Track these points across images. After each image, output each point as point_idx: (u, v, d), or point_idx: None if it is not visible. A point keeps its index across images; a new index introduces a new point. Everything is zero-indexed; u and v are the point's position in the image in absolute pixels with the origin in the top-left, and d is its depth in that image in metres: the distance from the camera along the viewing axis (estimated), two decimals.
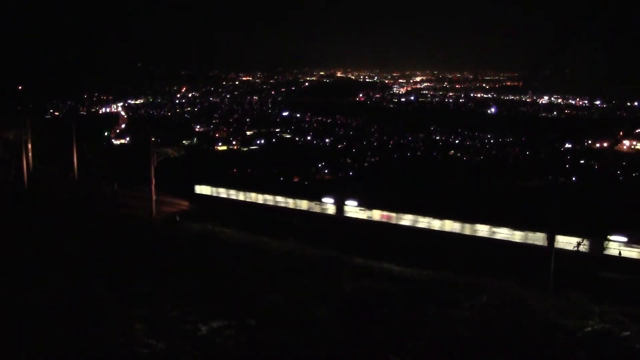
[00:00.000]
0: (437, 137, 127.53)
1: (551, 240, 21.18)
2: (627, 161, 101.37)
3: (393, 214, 33.84)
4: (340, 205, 36.34)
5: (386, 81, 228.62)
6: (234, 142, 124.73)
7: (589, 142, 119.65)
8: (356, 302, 9.18)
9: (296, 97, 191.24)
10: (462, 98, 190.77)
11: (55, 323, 6.52)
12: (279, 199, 40.33)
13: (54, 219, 16.93)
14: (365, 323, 8.18)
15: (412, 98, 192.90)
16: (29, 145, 38.06)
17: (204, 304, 8.51)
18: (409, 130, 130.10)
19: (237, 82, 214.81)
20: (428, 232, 32.07)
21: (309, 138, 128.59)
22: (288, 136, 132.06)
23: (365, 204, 35.43)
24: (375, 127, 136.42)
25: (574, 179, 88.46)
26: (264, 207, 39.74)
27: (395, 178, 78.78)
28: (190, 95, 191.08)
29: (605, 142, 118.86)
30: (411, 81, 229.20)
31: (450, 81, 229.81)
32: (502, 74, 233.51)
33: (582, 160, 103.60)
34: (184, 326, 7.61)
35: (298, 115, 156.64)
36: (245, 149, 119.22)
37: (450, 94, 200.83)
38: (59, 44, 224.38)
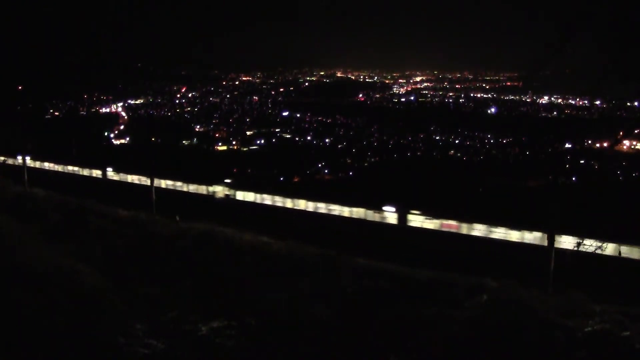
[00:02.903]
0: (437, 137, 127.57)
1: (551, 239, 21.16)
2: (627, 161, 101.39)
3: (464, 224, 32.34)
4: (403, 215, 34.75)
5: (386, 81, 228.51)
6: (234, 142, 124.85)
7: (589, 142, 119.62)
8: (356, 302, 9.18)
9: (296, 97, 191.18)
10: (462, 98, 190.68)
11: (53, 322, 6.51)
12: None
13: None
14: (365, 323, 8.19)
15: (412, 98, 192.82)
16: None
17: (205, 304, 8.51)
18: (409, 130, 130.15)
19: (237, 82, 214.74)
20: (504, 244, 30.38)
21: (309, 138, 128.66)
22: (288, 136, 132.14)
23: (430, 212, 33.96)
24: (375, 127, 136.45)
25: (574, 179, 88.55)
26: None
27: (395, 178, 78.80)
28: (190, 95, 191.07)
29: (605, 142, 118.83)
30: (411, 81, 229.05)
31: (450, 81, 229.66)
32: (502, 74, 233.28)
33: (582, 160, 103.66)
34: (184, 326, 7.61)
35: (298, 115, 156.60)
36: (245, 149, 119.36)
37: (450, 94, 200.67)
38: (59, 44, 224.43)
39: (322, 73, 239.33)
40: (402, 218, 34.68)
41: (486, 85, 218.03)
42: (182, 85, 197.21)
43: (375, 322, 8.08)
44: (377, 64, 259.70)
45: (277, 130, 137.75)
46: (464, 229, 32.34)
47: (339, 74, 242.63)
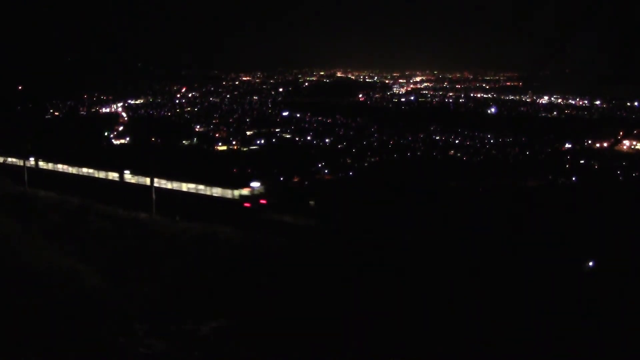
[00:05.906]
0: (437, 137, 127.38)
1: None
2: (627, 161, 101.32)
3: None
4: None
5: (386, 81, 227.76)
6: (234, 142, 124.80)
7: (589, 142, 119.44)
8: (355, 301, 9.21)
9: (296, 97, 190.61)
10: (462, 98, 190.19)
11: (53, 322, 6.52)
12: None
13: None
14: (365, 323, 8.21)
15: (412, 98, 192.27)
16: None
17: (205, 304, 8.52)
18: (409, 130, 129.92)
19: (237, 82, 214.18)
20: None
21: (309, 138, 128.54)
22: (288, 136, 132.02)
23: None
24: (375, 127, 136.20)
25: (574, 179, 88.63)
26: None
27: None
28: (190, 95, 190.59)
29: (605, 142, 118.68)
30: (411, 81, 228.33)
31: (450, 81, 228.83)
32: (502, 74, 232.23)
33: (582, 160, 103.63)
34: (184, 326, 7.62)
35: (298, 115, 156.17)
36: (245, 149, 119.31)
37: (450, 94, 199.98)
38: (58, 44, 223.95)
39: (322, 73, 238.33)
40: None
41: (486, 85, 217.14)
42: (182, 85, 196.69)
43: (375, 322, 8.10)
44: (377, 64, 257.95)
45: (277, 130, 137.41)
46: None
47: (339, 74, 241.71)
